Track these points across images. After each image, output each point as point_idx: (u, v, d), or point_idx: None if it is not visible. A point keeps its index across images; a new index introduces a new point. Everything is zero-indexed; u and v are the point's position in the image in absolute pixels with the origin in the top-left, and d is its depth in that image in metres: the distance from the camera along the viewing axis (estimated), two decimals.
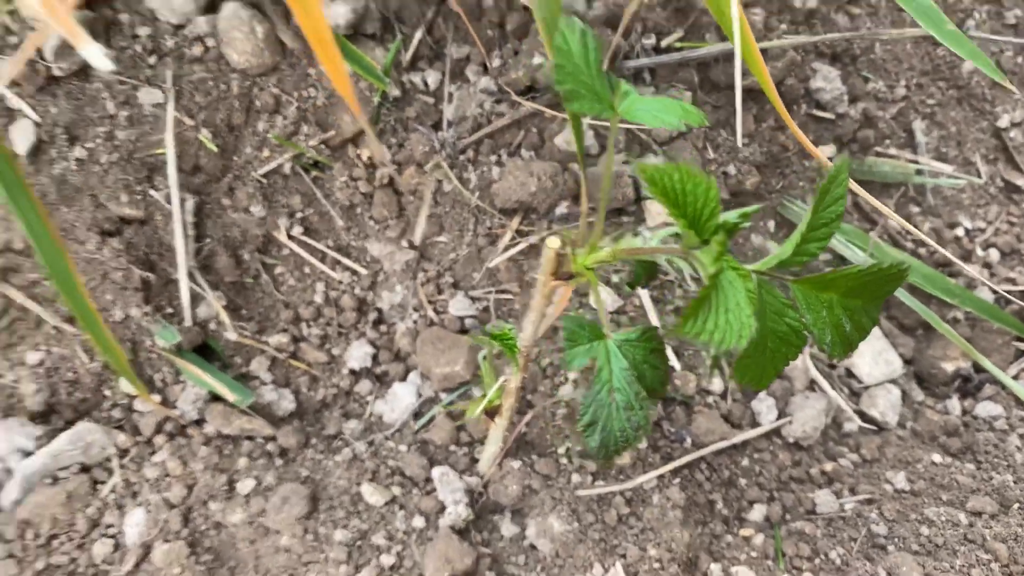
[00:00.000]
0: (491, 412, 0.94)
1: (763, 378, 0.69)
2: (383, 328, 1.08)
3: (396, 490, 0.97)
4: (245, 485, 0.95)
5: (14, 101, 0.94)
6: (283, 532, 0.92)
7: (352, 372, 1.07)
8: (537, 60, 1.07)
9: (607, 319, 0.73)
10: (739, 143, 1.04)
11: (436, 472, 0.99)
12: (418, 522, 0.95)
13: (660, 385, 0.67)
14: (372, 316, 1.08)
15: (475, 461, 1.01)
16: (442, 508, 0.96)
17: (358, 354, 1.06)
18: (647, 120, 0.64)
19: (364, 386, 1.07)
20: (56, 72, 0.95)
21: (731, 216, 0.64)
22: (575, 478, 0.98)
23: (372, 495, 0.95)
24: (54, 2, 0.48)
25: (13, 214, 0.73)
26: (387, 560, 0.92)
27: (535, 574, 0.94)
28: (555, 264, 0.72)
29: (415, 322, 1.08)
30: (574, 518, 0.95)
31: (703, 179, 0.61)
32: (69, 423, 0.97)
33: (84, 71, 0.96)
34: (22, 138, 0.93)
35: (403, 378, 1.07)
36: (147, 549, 0.91)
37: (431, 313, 1.08)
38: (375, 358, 1.07)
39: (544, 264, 0.72)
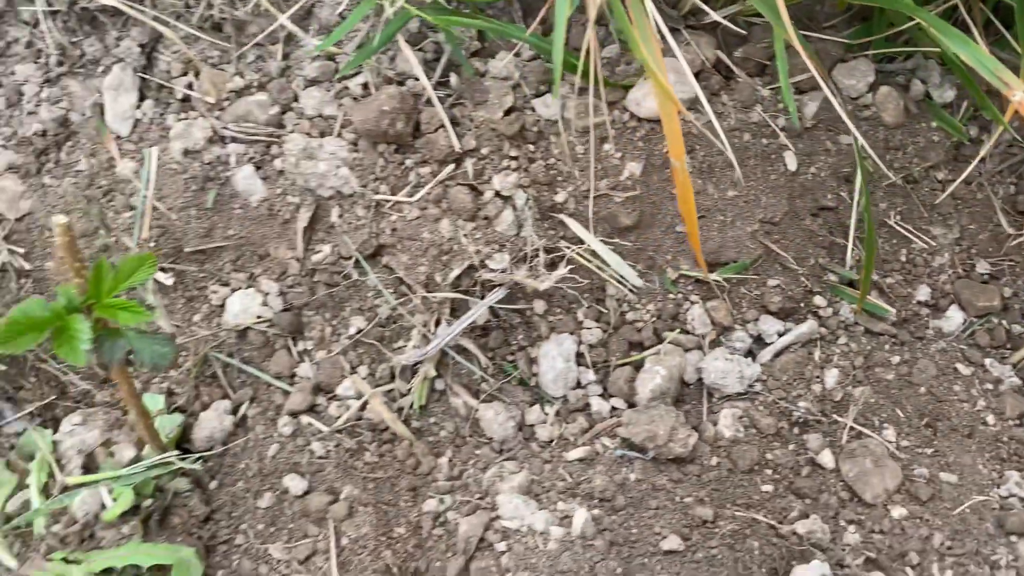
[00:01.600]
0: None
1: None
2: (934, 277, 1.83)
3: (971, 368, 1.73)
4: (892, 357, 1.71)
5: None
6: (921, 386, 1.69)
7: (919, 303, 1.82)
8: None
9: None
10: None
11: (987, 360, 1.74)
12: (988, 386, 1.71)
13: None
14: (928, 271, 1.83)
15: (1003, 358, 1.77)
16: (1000, 380, 1.72)
17: (923, 292, 1.82)
18: None
19: (925, 311, 1.82)
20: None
21: None
22: None
23: (963, 369, 1.71)
24: None
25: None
26: (982, 403, 1.68)
27: None
28: None
29: (949, 275, 1.83)
30: None
31: None
32: (783, 321, 1.74)
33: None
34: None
35: (946, 309, 1.82)
36: (844, 392, 1.68)
37: (961, 271, 1.83)
38: (931, 295, 1.83)
39: None
